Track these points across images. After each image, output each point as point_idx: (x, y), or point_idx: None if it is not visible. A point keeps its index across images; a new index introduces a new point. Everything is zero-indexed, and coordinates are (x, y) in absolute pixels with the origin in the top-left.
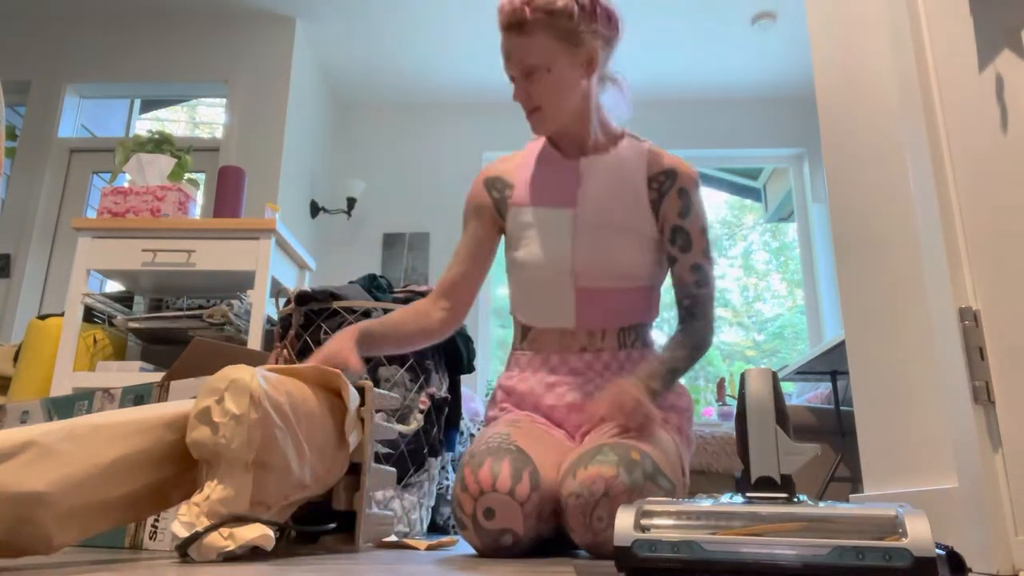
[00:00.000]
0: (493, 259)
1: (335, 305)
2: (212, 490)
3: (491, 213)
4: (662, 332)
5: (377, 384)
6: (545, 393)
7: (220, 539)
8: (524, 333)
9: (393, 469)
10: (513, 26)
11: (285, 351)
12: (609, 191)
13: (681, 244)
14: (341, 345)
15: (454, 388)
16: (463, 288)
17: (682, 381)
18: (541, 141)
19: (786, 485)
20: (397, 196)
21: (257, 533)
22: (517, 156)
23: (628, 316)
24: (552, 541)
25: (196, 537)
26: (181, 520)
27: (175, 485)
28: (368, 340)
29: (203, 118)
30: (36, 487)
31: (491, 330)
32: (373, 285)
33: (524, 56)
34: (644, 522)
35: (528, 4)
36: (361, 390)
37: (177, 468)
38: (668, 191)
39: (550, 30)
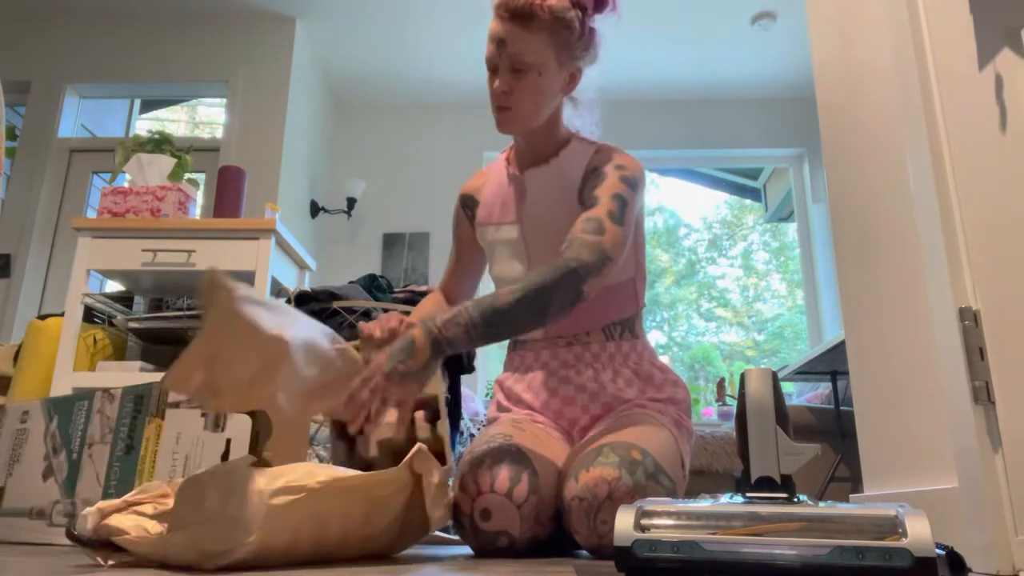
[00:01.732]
0: (485, 259)
1: (335, 305)
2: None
3: (468, 228)
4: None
5: None
6: (540, 389)
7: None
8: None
9: None
10: (519, 16)
11: None
12: (550, 202)
13: (589, 204)
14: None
15: (454, 388)
16: (466, 286)
17: (683, 379)
18: (502, 156)
19: (786, 485)
20: (397, 196)
21: (130, 523)
22: (490, 169)
23: (605, 314)
24: (549, 543)
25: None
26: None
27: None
28: None
29: (203, 118)
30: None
31: None
32: (373, 285)
33: (521, 50)
34: (644, 522)
35: (542, 1)
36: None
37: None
38: (590, 176)
39: (552, 36)
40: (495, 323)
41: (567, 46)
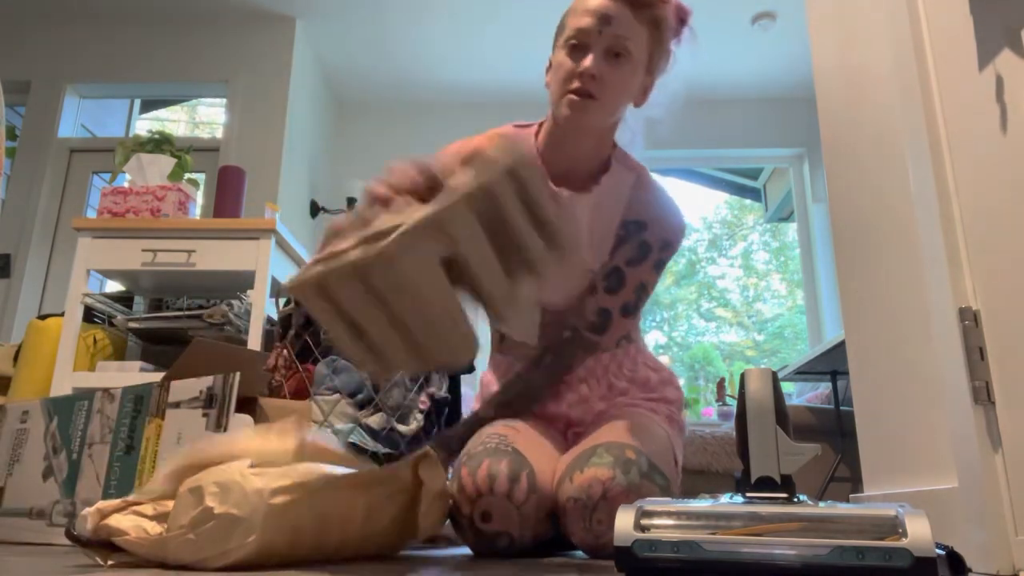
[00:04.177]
0: None
1: None
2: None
3: None
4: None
5: (376, 385)
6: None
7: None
8: (501, 336)
9: None
10: None
11: (285, 351)
12: (582, 231)
13: (609, 286)
14: None
15: (454, 388)
16: None
17: (681, 379)
18: (526, 137)
19: (786, 485)
20: None
21: (129, 523)
22: None
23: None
24: (548, 543)
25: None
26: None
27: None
28: None
29: (203, 118)
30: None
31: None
32: None
33: (627, 33)
34: (644, 522)
35: None
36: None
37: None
38: (630, 240)
39: (652, 34)
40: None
41: (657, 53)
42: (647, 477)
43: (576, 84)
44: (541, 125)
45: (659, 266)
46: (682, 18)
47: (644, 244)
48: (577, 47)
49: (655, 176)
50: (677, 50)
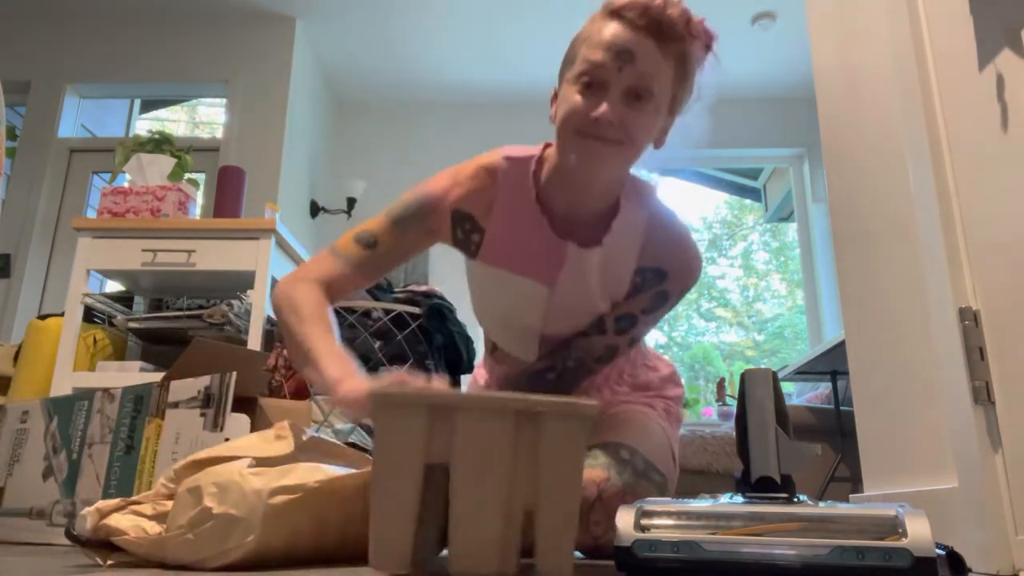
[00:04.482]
0: (404, 262)
1: (335, 305)
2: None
3: (443, 239)
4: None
5: None
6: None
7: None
8: (493, 345)
9: None
10: (660, 31)
11: (285, 351)
12: (591, 283)
13: (620, 327)
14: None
15: (455, 388)
16: (363, 284)
17: (683, 378)
18: (522, 177)
19: (786, 485)
20: (397, 196)
21: (129, 523)
22: (487, 184)
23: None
24: None
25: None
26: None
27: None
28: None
29: (203, 118)
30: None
31: None
32: (373, 285)
33: (652, 70)
34: (644, 522)
35: (689, 23)
36: None
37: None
38: (647, 288)
39: (678, 70)
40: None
41: (682, 91)
42: (643, 476)
43: (598, 131)
44: (545, 150)
45: (673, 306)
46: (708, 44)
47: (663, 295)
48: (592, 85)
49: (663, 186)
50: (700, 78)
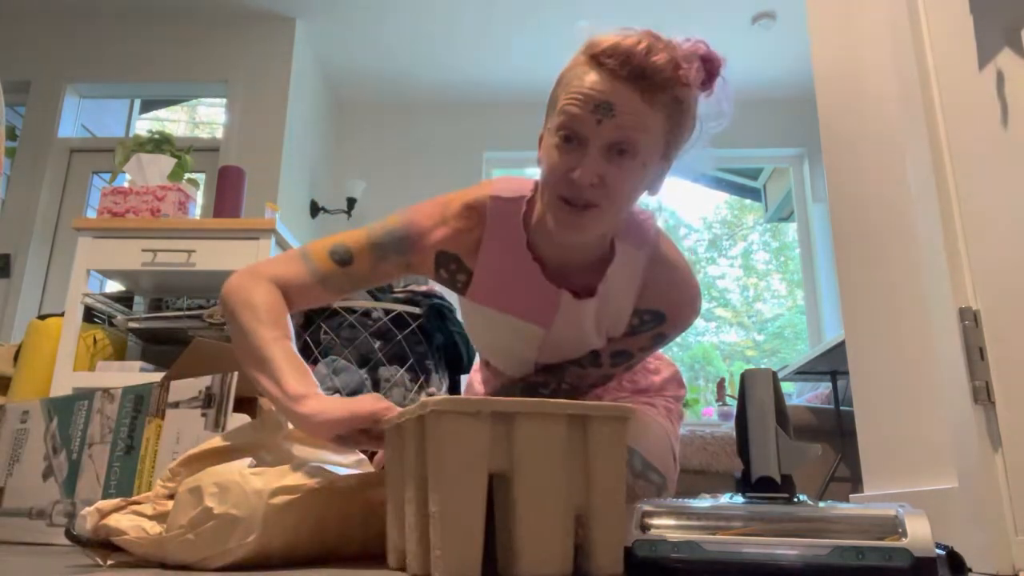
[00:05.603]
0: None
1: (335, 305)
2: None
3: (424, 273)
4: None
5: (376, 385)
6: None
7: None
8: (486, 361)
9: None
10: (644, 81)
11: None
12: (586, 328)
13: (615, 361)
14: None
15: (454, 388)
16: (325, 299)
17: (684, 378)
18: (511, 219)
19: (786, 485)
20: (397, 196)
21: (129, 523)
22: (473, 224)
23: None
24: None
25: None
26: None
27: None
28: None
29: (203, 118)
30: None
31: None
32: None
33: (634, 124)
34: (645, 522)
35: (678, 69)
36: None
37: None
38: (645, 330)
39: (669, 119)
40: None
41: (676, 134)
42: (641, 476)
43: (574, 193)
44: (536, 191)
45: (663, 346)
46: (712, 72)
47: (661, 336)
48: (570, 139)
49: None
50: (705, 107)
